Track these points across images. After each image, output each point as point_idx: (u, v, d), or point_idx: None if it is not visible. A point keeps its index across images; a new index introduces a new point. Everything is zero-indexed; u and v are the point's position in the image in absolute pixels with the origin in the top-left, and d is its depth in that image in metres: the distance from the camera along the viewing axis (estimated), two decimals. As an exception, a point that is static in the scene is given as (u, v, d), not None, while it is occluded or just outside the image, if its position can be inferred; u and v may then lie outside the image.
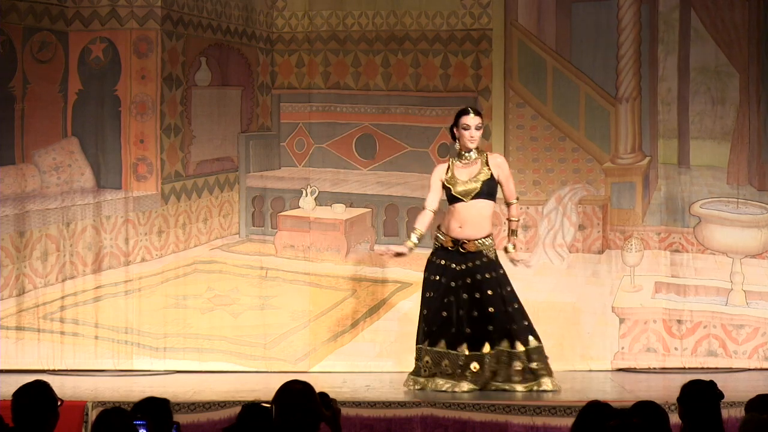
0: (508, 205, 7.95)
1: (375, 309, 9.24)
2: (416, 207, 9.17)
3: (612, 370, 9.01)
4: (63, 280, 9.12)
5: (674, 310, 9.19)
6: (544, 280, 9.22)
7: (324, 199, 9.43)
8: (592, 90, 9.36)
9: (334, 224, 9.39)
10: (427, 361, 7.77)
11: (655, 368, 9.08)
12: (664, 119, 9.34)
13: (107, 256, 9.17)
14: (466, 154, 7.81)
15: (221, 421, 6.87)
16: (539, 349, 7.73)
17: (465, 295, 7.70)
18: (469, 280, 7.72)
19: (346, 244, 9.36)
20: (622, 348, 9.15)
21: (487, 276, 7.73)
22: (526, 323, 7.77)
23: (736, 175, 9.33)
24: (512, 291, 7.81)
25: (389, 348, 9.13)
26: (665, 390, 7.81)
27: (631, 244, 9.27)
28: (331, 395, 4.89)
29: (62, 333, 9.06)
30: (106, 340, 9.09)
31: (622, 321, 9.19)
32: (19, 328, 9.06)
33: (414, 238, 7.78)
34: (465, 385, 7.65)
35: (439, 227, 7.87)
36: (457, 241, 7.72)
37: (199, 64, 9.36)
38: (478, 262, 7.73)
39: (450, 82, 9.38)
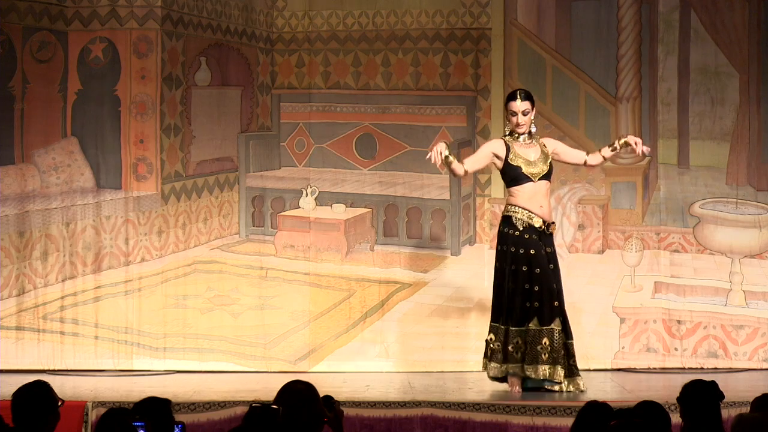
0: (586, 162, 7.83)
1: (375, 309, 9.24)
2: (416, 207, 9.19)
3: (612, 370, 9.01)
4: (63, 280, 9.11)
5: (674, 310, 9.19)
6: (544, 280, 9.21)
7: (324, 199, 9.43)
8: (592, 89, 9.36)
9: (334, 224, 9.39)
10: (518, 342, 7.61)
11: (655, 368, 9.08)
12: (664, 119, 9.35)
13: (107, 256, 9.17)
14: (523, 135, 7.72)
15: (221, 421, 6.88)
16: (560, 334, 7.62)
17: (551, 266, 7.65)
18: (552, 267, 7.64)
19: (346, 244, 9.36)
20: (623, 348, 9.16)
21: (556, 265, 7.69)
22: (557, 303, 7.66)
23: (736, 176, 9.34)
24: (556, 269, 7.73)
25: (389, 348, 9.13)
26: (665, 390, 7.81)
27: (632, 244, 9.28)
28: (332, 395, 4.89)
29: (62, 333, 9.06)
30: (106, 340, 9.09)
31: (622, 321, 9.19)
32: (19, 328, 9.06)
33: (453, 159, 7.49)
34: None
35: (512, 207, 7.63)
36: (544, 221, 7.64)
37: (199, 64, 9.36)
38: (553, 247, 7.70)
39: (450, 80, 9.38)
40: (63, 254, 9.12)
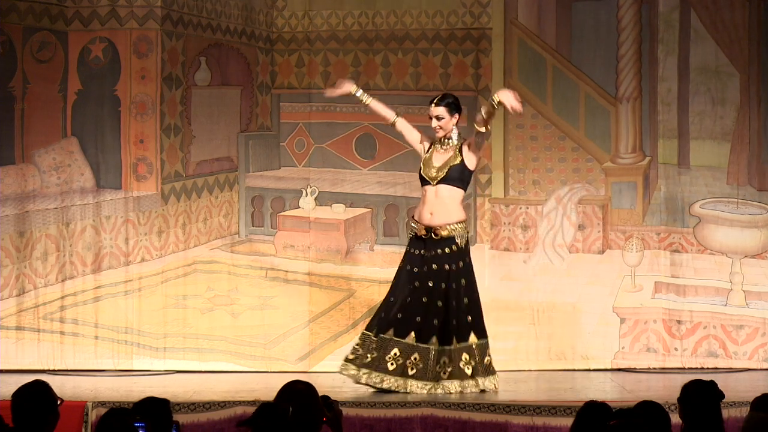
0: (478, 133, 7.58)
1: (375, 309, 9.22)
2: (416, 207, 9.18)
3: (612, 370, 9.01)
4: (63, 280, 9.11)
5: (674, 310, 9.19)
6: (544, 280, 9.21)
7: (324, 199, 9.43)
8: (592, 89, 9.36)
9: (334, 224, 9.39)
10: (373, 349, 7.61)
11: (655, 368, 9.07)
12: (664, 119, 9.34)
13: (107, 256, 9.17)
14: (445, 140, 7.72)
15: (221, 421, 6.88)
16: (470, 348, 7.58)
17: (430, 283, 7.57)
18: (435, 267, 7.56)
19: (346, 244, 9.36)
20: (623, 348, 9.15)
21: (452, 267, 7.58)
22: (470, 319, 7.61)
23: (736, 176, 9.34)
24: (471, 282, 7.65)
25: (389, 348, 9.11)
26: (665, 390, 7.82)
27: (632, 244, 9.27)
28: (331, 395, 4.89)
29: (62, 333, 9.06)
30: (106, 340, 9.09)
31: (622, 321, 9.19)
32: (19, 328, 9.06)
33: (362, 92, 7.78)
34: (413, 384, 7.53)
35: (412, 217, 7.78)
36: (429, 229, 7.61)
37: (199, 63, 9.36)
38: (447, 250, 7.60)
39: (450, 81, 9.37)
40: (63, 254, 9.12)
